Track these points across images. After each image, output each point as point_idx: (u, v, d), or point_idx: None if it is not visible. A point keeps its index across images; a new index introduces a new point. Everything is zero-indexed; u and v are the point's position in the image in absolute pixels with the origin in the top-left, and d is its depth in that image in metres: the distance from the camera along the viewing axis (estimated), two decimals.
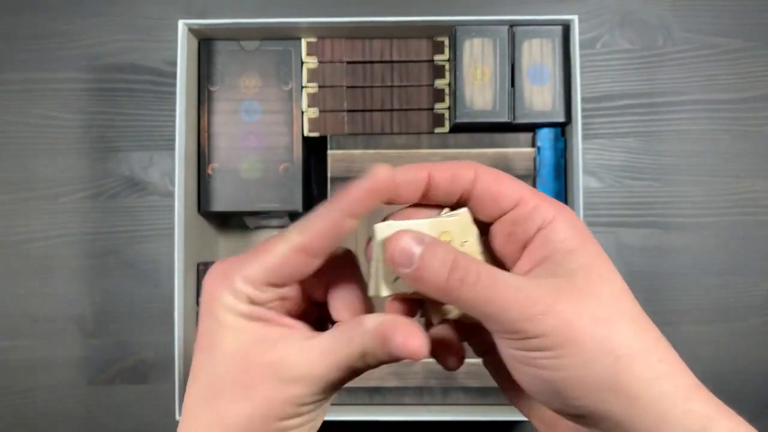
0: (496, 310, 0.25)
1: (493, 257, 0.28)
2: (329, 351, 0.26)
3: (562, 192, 0.59)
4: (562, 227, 0.26)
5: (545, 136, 0.59)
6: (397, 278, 0.28)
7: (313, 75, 0.61)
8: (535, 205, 0.27)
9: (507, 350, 0.26)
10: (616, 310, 0.25)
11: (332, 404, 0.60)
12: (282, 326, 0.27)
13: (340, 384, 0.27)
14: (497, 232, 0.28)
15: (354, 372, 0.27)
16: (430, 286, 0.26)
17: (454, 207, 0.29)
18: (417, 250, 0.26)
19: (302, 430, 0.27)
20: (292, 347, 0.26)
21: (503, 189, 0.28)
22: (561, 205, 0.27)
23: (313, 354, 0.26)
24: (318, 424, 0.28)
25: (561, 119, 0.58)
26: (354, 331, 0.26)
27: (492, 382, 0.30)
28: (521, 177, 0.59)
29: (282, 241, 0.27)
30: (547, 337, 0.24)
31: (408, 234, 0.26)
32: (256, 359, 0.26)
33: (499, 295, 0.25)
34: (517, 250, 0.27)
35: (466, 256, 0.26)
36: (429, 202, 0.28)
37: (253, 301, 0.27)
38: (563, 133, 0.59)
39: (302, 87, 0.61)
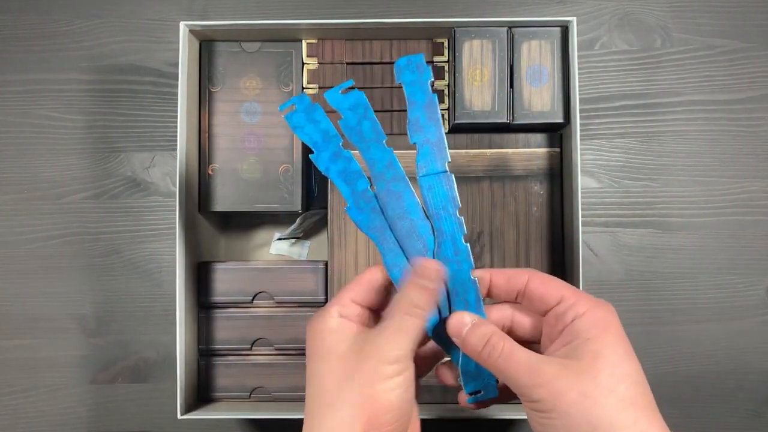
0: (511, 376, 0.34)
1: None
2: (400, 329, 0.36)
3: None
4: (587, 321, 0.35)
5: (404, 67, 0.43)
6: None
7: (313, 76, 0.62)
8: (573, 302, 0.36)
9: (524, 403, 0.35)
10: (607, 389, 0.32)
11: None
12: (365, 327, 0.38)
13: (419, 345, 0.39)
14: (546, 320, 0.37)
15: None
16: (469, 352, 0.37)
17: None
18: (465, 327, 0.37)
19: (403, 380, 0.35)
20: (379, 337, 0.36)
21: (548, 290, 0.37)
22: (597, 301, 0.36)
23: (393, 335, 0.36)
24: (412, 374, 0.36)
25: (560, 120, 0.59)
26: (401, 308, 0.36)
27: None
28: (520, 177, 0.60)
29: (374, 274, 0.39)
30: (541, 402, 0.33)
31: (465, 313, 0.38)
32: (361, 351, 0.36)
33: (512, 366, 0.34)
34: (557, 334, 0.36)
35: (500, 335, 0.36)
36: (494, 299, 0.39)
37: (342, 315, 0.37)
38: (561, 139, 0.59)
39: (303, 88, 0.62)
